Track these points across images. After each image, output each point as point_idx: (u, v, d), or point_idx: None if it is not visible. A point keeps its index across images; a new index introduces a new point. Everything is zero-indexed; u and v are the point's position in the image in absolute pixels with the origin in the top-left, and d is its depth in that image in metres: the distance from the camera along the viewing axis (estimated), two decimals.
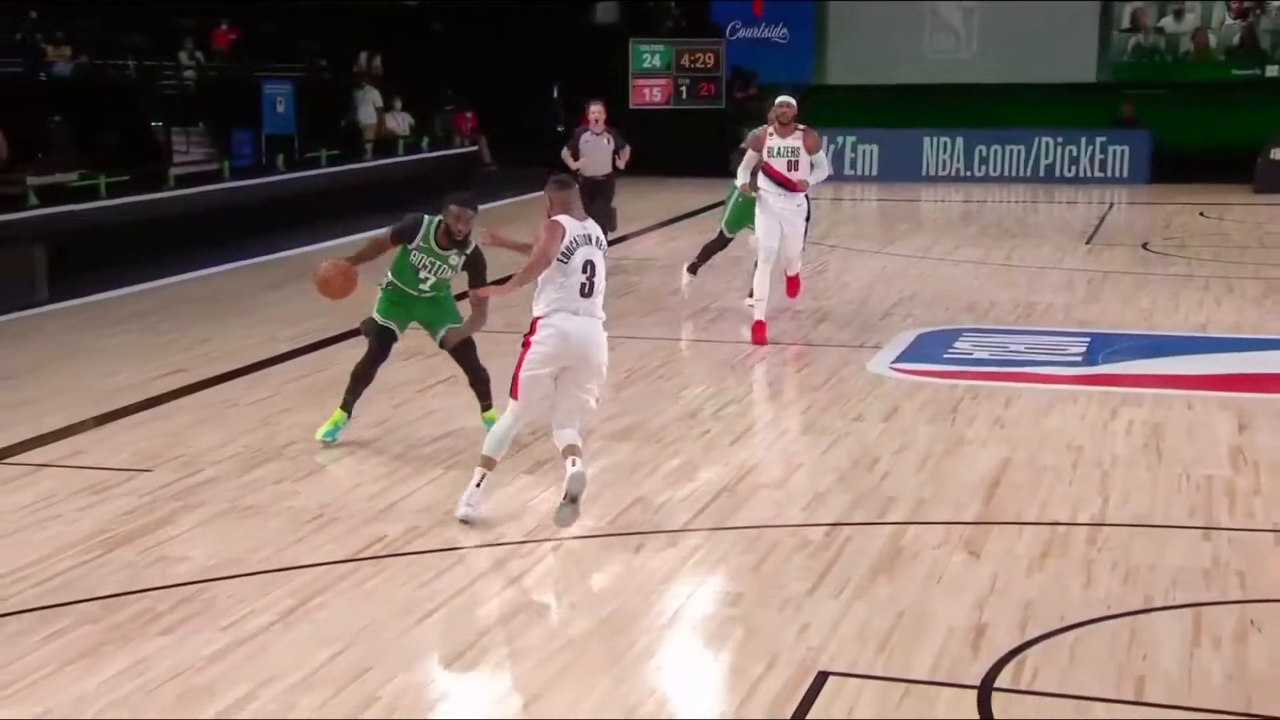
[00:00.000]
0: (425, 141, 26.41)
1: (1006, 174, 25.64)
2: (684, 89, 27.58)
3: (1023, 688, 5.66)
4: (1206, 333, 12.48)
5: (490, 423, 7.92)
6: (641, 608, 6.17)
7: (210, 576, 6.77)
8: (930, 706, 5.42)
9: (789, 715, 5.36)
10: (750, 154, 11.98)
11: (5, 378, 11.40)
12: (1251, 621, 6.04)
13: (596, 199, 14.07)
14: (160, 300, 15.01)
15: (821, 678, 5.66)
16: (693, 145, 25.73)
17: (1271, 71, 25.17)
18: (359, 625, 6.15)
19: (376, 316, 8.45)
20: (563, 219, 7.15)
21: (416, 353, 10.59)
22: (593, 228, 7.46)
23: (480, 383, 8.71)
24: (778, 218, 11.93)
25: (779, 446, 9.35)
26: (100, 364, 11.94)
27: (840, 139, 25.42)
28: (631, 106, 27.28)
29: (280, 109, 22.60)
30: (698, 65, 27.65)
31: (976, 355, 11.53)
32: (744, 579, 6.86)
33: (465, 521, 7.39)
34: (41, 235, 15.39)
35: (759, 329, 12.29)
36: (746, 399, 10.45)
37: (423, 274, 8.29)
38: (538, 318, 7.18)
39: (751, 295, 12.52)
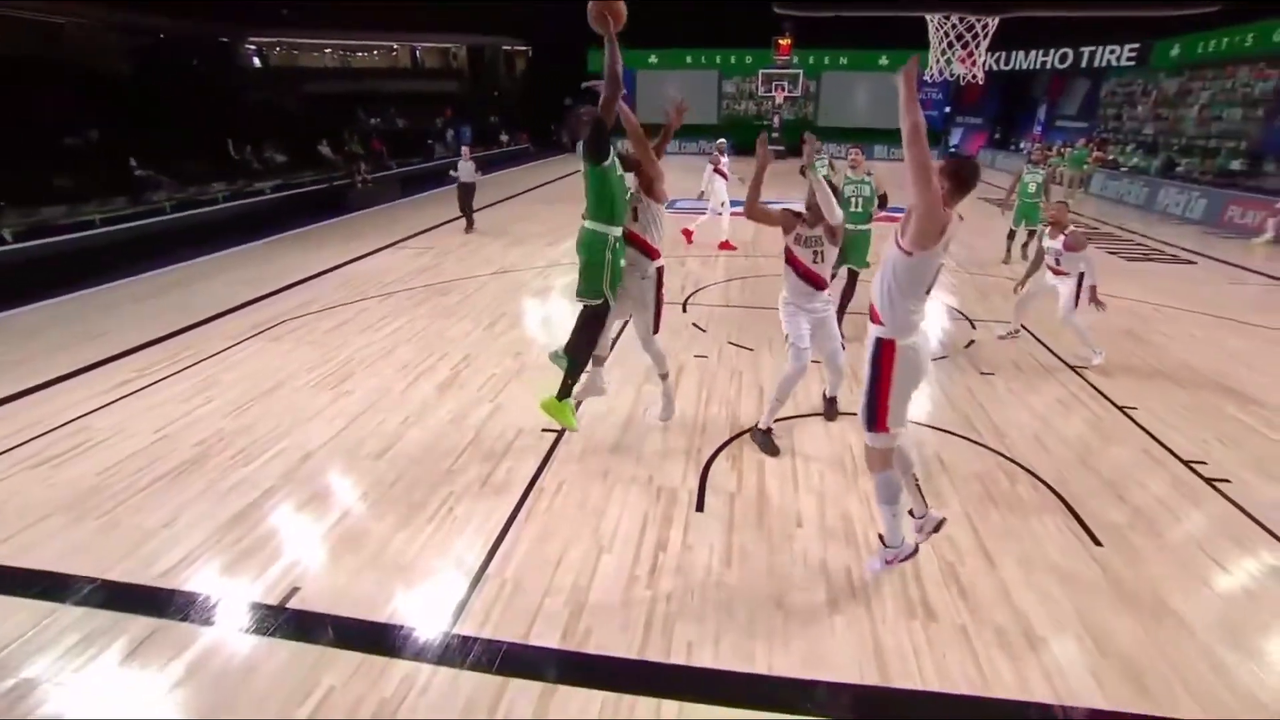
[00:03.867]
0: (510, 143, 28.44)
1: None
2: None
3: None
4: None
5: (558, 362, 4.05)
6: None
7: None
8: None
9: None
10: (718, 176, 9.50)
11: (390, 225, 12.26)
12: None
13: (466, 197, 11.87)
14: (438, 200, 15.09)
15: (684, 308, 6.76)
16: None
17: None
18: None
19: (607, 293, 3.77)
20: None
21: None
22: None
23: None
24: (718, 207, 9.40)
25: (681, 252, 9.22)
26: (421, 220, 12.71)
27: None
28: None
29: (467, 138, 24.92)
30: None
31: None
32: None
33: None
34: (397, 180, 17.93)
35: (688, 235, 10.27)
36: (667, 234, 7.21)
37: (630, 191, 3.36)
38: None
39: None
